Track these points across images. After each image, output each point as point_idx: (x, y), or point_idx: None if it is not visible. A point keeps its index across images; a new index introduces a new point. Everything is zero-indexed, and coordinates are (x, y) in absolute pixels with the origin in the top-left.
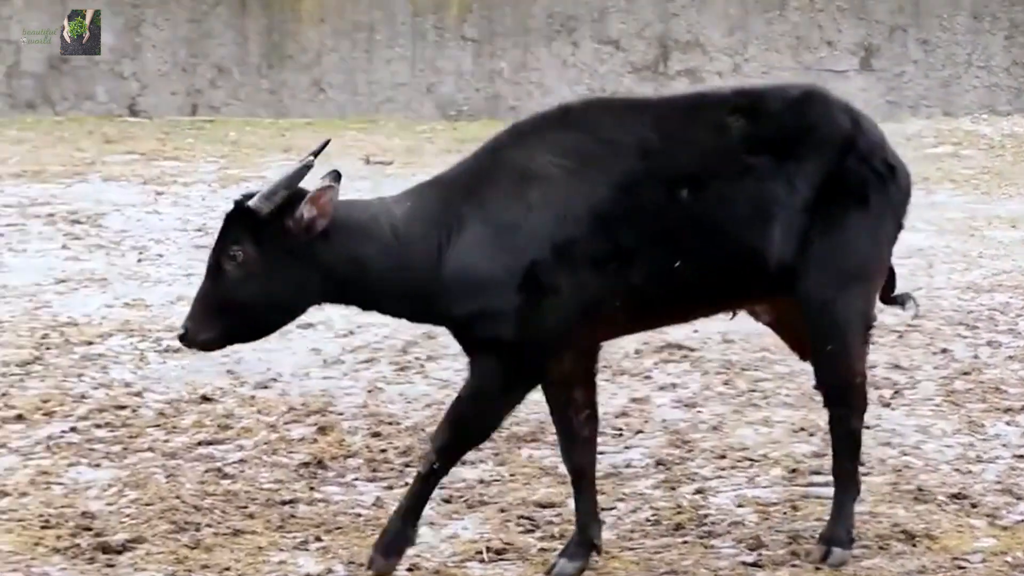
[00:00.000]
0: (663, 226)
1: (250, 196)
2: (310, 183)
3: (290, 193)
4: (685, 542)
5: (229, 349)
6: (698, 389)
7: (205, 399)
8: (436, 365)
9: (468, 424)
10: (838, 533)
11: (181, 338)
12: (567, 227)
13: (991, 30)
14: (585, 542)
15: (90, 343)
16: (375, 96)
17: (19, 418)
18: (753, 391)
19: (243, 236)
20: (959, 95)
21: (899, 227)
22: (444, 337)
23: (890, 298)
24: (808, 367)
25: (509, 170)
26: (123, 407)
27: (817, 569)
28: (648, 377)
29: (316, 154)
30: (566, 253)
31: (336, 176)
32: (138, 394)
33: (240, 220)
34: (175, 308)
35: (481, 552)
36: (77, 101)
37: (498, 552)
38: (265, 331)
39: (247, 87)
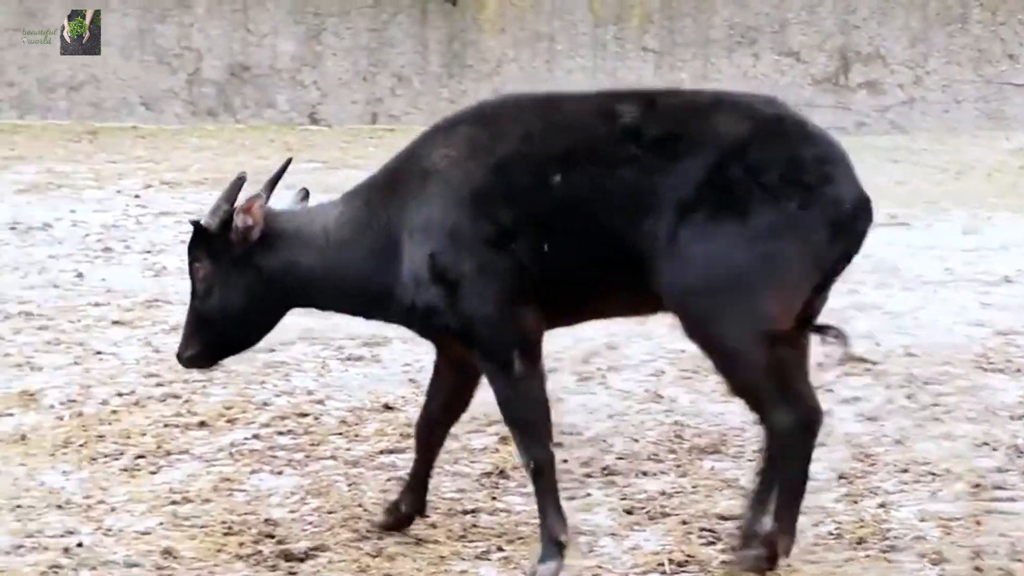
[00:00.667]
0: (537, 208)
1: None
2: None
3: (231, 207)
4: (867, 556)
5: (411, 358)
6: (881, 403)
7: (387, 407)
8: (618, 376)
9: (515, 415)
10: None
11: (177, 358)
12: (453, 213)
13: None
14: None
15: (272, 350)
16: None
17: (202, 425)
18: (935, 405)
19: (201, 253)
20: None
21: (816, 255)
22: (626, 348)
23: (813, 327)
24: (990, 382)
25: (415, 170)
26: (305, 415)
27: None
28: (830, 391)
29: (279, 176)
30: (459, 238)
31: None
32: (320, 402)
33: (197, 238)
34: (357, 317)
35: (662, 564)
36: (258, 109)
37: (679, 564)
38: (241, 344)
39: (427, 96)
